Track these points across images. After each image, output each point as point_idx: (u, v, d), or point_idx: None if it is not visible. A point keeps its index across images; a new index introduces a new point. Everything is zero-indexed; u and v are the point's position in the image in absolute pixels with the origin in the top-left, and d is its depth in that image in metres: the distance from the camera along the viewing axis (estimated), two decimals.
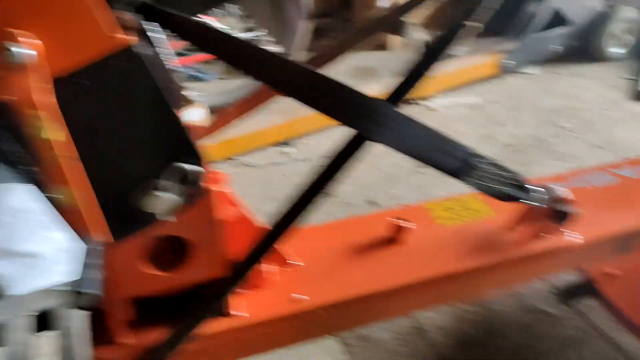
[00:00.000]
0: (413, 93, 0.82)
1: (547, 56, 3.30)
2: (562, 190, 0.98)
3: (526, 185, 0.93)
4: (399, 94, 0.78)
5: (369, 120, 0.77)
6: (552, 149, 2.69)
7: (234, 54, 0.72)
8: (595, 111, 2.95)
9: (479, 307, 1.91)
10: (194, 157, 0.71)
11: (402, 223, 1.01)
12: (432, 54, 0.79)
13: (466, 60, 3.18)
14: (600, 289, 1.52)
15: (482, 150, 2.87)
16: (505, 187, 0.89)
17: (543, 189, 0.95)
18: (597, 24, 3.29)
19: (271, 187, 2.41)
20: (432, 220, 1.09)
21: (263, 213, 1.13)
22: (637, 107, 2.98)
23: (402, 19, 0.96)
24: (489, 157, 0.87)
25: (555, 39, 3.26)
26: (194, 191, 0.70)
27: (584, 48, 3.40)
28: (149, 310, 0.81)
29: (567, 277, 2.00)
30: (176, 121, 0.70)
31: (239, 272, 0.75)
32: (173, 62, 0.79)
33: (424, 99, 3.09)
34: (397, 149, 0.80)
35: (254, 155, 2.69)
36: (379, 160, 2.53)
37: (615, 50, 3.37)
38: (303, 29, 1.05)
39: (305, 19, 1.06)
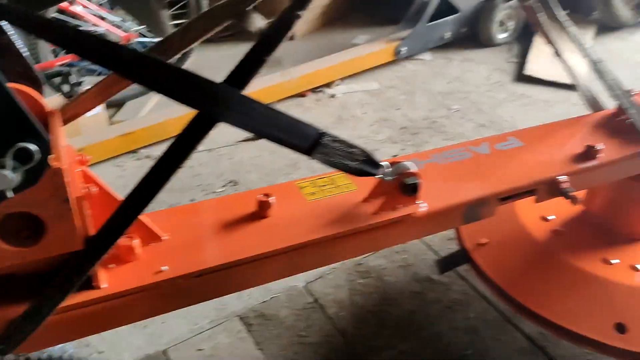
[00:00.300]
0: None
1: (439, 43, 3.51)
2: (409, 165, 1.10)
3: (376, 161, 1.05)
4: (242, 78, 0.87)
5: (214, 103, 0.86)
6: (443, 130, 2.89)
7: (83, 47, 0.78)
8: (482, 93, 3.18)
9: (371, 279, 2.05)
10: (38, 138, 0.77)
11: (264, 198, 1.11)
12: (269, 40, 0.88)
13: (364, 48, 3.34)
14: (472, 256, 1.67)
15: (380, 132, 3.09)
16: (354, 162, 1.01)
17: (389, 165, 1.08)
18: (484, 11, 3.53)
19: (175, 178, 2.44)
20: (299, 196, 1.19)
21: (168, 205, 1.19)
22: (519, 88, 3.24)
23: (247, 7, 1.01)
24: (339, 136, 0.98)
25: (446, 27, 3.47)
26: (38, 170, 0.77)
27: (473, 34, 3.63)
28: (14, 287, 0.87)
29: (451, 247, 2.19)
30: (15, 105, 0.75)
31: (98, 247, 0.82)
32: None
33: (325, 86, 3.20)
34: (247, 130, 0.89)
35: (158, 147, 2.71)
36: (280, 149, 2.63)
37: (501, 35, 3.63)
38: (163, 15, 1.10)
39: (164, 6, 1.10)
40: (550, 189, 1.29)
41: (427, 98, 3.14)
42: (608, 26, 3.78)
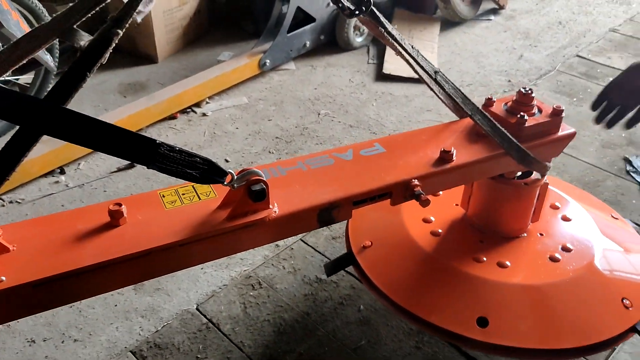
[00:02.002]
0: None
1: (302, 51, 3.63)
2: (256, 172, 1.16)
3: (220, 170, 1.11)
4: (65, 93, 0.95)
5: (35, 117, 0.91)
6: (315, 135, 2.99)
7: None
8: (347, 95, 3.34)
9: (263, 290, 2.08)
10: None
11: (115, 207, 1.12)
12: (90, 56, 0.96)
13: (229, 64, 3.36)
14: (356, 258, 1.74)
15: (255, 144, 3.12)
16: (196, 171, 1.06)
17: (233, 172, 1.13)
18: (339, 18, 3.70)
19: None
20: (159, 204, 1.21)
21: None
22: (380, 86, 3.43)
23: (72, 25, 1.02)
24: (177, 146, 1.04)
25: (306, 36, 3.60)
26: None
27: (332, 41, 3.80)
28: None
29: (335, 246, 2.28)
30: None
31: None
32: None
33: (195, 106, 3.19)
34: (80, 144, 0.95)
35: (20, 191, 2.54)
36: (157, 174, 2.58)
37: (358, 39, 3.82)
38: None
39: None
40: (403, 191, 1.38)
41: (296, 106, 3.23)
42: (451, 22, 4.12)
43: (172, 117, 3.10)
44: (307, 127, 3.05)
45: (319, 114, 3.17)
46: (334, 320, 1.97)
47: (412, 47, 1.41)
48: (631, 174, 2.70)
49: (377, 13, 1.34)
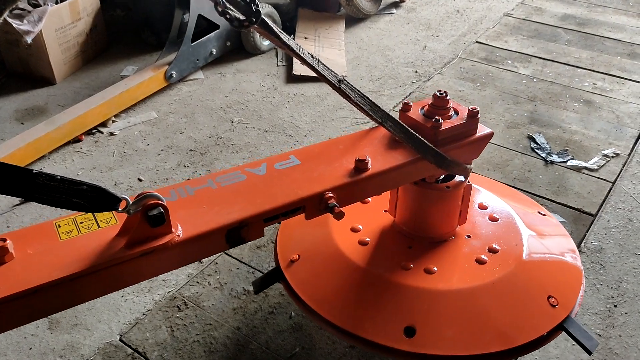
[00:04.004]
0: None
1: (209, 59, 3.55)
2: (154, 195, 1.10)
3: (112, 196, 1.06)
4: None
5: None
6: (230, 143, 2.93)
7: None
8: (259, 100, 3.30)
9: (189, 310, 2.01)
10: None
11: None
12: None
13: (133, 79, 3.23)
14: (284, 273, 1.69)
15: (168, 160, 2.99)
16: (83, 200, 1.00)
17: (127, 197, 1.07)
18: None
19: None
20: (53, 236, 1.13)
21: None
22: (292, 88, 3.42)
23: None
24: (57, 175, 0.98)
25: (211, 43, 3.52)
26: None
27: (240, 46, 3.74)
28: None
29: (260, 255, 2.24)
30: None
31: None
32: None
33: (101, 125, 3.04)
34: None
35: None
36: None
37: (265, 42, 3.79)
38: None
39: None
40: (317, 204, 1.34)
41: (208, 116, 3.16)
42: (355, 18, 4.17)
43: (77, 140, 2.95)
44: (222, 137, 2.99)
45: (232, 121, 3.11)
46: (266, 331, 1.93)
47: (312, 57, 1.38)
48: (535, 150, 2.83)
49: (270, 23, 1.30)
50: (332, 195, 1.35)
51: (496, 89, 3.35)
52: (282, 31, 1.33)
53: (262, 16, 1.30)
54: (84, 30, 3.56)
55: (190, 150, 2.89)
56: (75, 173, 2.73)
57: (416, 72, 3.57)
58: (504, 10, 4.35)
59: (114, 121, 3.10)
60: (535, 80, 3.43)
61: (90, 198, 1.02)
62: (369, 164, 1.43)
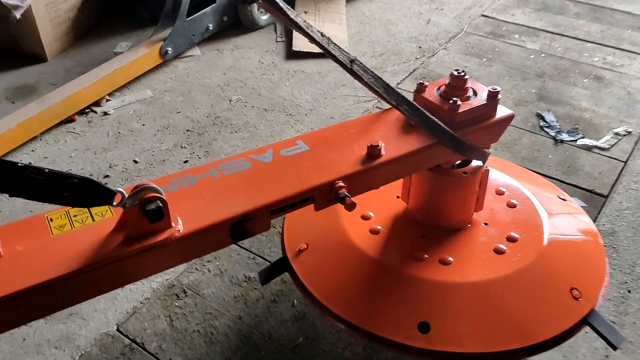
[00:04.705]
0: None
1: (205, 35, 3.42)
2: (152, 188, 1.02)
3: (106, 189, 0.98)
4: None
5: None
6: (229, 123, 2.83)
7: None
8: (258, 77, 3.19)
9: (189, 298, 1.95)
10: None
11: None
12: None
13: (127, 56, 3.11)
14: (292, 264, 1.61)
15: (165, 140, 2.88)
16: (75, 194, 0.93)
17: (122, 190, 0.99)
18: None
19: None
20: (44, 231, 1.06)
21: None
22: (292, 65, 3.30)
23: None
24: (46, 168, 0.90)
25: (207, 18, 3.39)
26: None
27: (237, 21, 3.61)
28: None
29: (261, 240, 2.17)
30: None
31: None
32: None
33: (94, 105, 2.94)
34: None
35: None
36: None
37: (264, 17, 3.65)
38: None
39: None
40: (326, 195, 1.25)
41: (206, 94, 3.05)
42: None
43: (69, 120, 2.84)
44: (220, 116, 2.89)
45: (230, 100, 3.01)
46: (269, 321, 1.87)
47: (322, 35, 1.29)
48: (544, 129, 2.74)
49: None
50: (343, 184, 1.26)
51: (503, 64, 3.24)
52: (288, 7, 1.24)
53: None
54: (75, 5, 3.42)
55: (188, 130, 2.79)
56: (69, 154, 2.64)
57: (420, 47, 3.45)
58: None
59: (107, 100, 2.99)
60: (543, 55, 3.32)
61: (82, 192, 0.94)
62: (382, 149, 1.34)
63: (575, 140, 2.66)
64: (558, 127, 2.74)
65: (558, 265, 1.53)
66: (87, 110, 2.91)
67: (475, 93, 1.51)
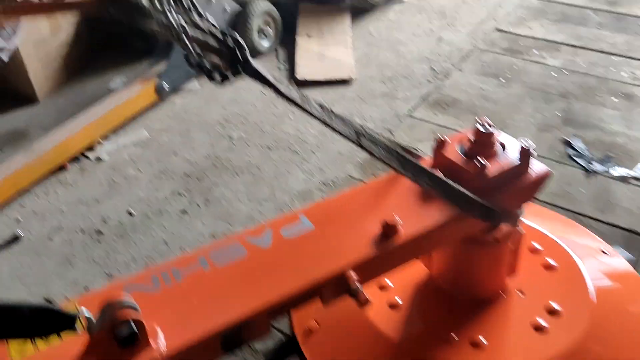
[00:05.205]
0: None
1: None
2: (123, 303, 0.83)
3: (65, 315, 0.82)
4: None
5: None
6: (230, 165, 2.64)
7: None
8: (261, 111, 2.99)
9: None
10: None
11: None
12: None
13: (122, 94, 2.94)
14: (302, 349, 1.44)
15: (161, 188, 2.64)
16: (29, 326, 0.79)
17: (86, 312, 0.82)
18: (239, 23, 3.33)
19: None
20: (4, 355, 0.90)
21: None
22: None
23: None
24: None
25: None
26: None
27: None
28: None
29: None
30: None
31: None
32: None
33: (88, 150, 2.76)
34: None
35: None
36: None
37: (264, 43, 3.46)
38: None
39: None
40: (336, 288, 1.07)
41: (205, 132, 2.86)
42: (361, 9, 3.82)
43: (61, 167, 2.67)
44: (220, 157, 2.69)
45: (231, 138, 2.81)
46: None
47: (322, 108, 1.11)
48: (574, 158, 2.51)
49: (260, 70, 1.03)
50: (355, 276, 1.07)
51: (523, 84, 3.00)
52: (278, 79, 1.06)
53: (251, 62, 1.04)
54: (66, 41, 3.25)
55: (186, 174, 2.60)
56: (60, 208, 2.46)
57: (432, 68, 3.23)
58: None
59: (101, 144, 2.81)
60: (566, 72, 3.08)
61: (37, 322, 0.79)
62: (399, 226, 1.14)
63: (609, 170, 2.42)
64: (589, 155, 2.50)
65: (610, 347, 1.32)
66: (80, 157, 2.73)
67: (503, 147, 1.32)
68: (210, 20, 1.10)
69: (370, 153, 1.14)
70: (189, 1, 1.08)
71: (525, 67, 3.15)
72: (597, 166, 2.44)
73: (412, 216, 1.21)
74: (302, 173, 2.57)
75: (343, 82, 3.15)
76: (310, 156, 2.66)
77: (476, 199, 1.21)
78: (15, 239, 2.30)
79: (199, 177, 2.58)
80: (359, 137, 1.13)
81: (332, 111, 1.14)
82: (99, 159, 2.72)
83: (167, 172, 2.62)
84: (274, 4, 3.49)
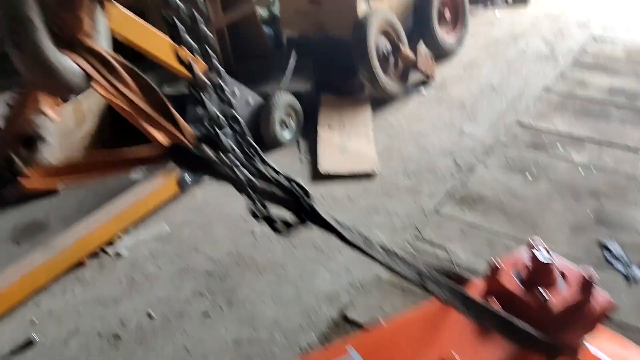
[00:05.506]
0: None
1: None
2: None
3: None
4: None
5: None
6: (253, 262, 2.56)
7: None
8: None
9: None
10: None
11: None
12: None
13: (144, 188, 2.91)
14: None
15: (182, 287, 2.48)
16: None
17: None
18: (262, 115, 3.35)
19: None
20: None
21: None
22: (319, 188, 3.07)
23: None
24: None
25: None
26: None
27: (257, 139, 3.42)
28: None
29: None
30: None
31: None
32: None
33: (107, 245, 2.69)
34: None
35: None
36: None
37: (286, 134, 3.47)
38: None
39: None
40: None
41: (227, 226, 2.80)
42: (381, 100, 3.85)
43: (80, 263, 2.59)
44: (242, 254, 2.61)
45: (253, 233, 2.75)
46: None
47: (386, 251, 1.06)
48: (611, 262, 2.41)
49: (326, 218, 0.99)
50: None
51: (551, 182, 2.95)
52: (343, 225, 1.02)
53: (317, 210, 1.00)
54: (90, 132, 3.27)
55: (208, 273, 2.51)
56: (76, 309, 2.36)
57: (456, 162, 3.20)
58: (542, 83, 3.99)
59: (121, 239, 2.75)
60: (593, 169, 3.03)
61: None
62: None
63: None
64: (627, 260, 2.41)
65: None
66: (99, 253, 2.66)
67: (562, 274, 1.23)
68: (274, 167, 1.07)
69: (435, 295, 1.07)
70: (252, 149, 1.06)
71: (551, 164, 3.11)
72: (636, 272, 2.34)
73: (471, 354, 1.12)
74: (328, 273, 2.48)
75: (366, 175, 3.11)
76: (335, 255, 2.58)
77: (538, 337, 1.12)
78: (29, 343, 2.19)
79: (221, 276, 2.49)
80: (422, 280, 1.06)
81: (396, 254, 1.07)
82: (118, 255, 2.65)
83: (189, 269, 2.54)
84: (295, 95, 3.53)
